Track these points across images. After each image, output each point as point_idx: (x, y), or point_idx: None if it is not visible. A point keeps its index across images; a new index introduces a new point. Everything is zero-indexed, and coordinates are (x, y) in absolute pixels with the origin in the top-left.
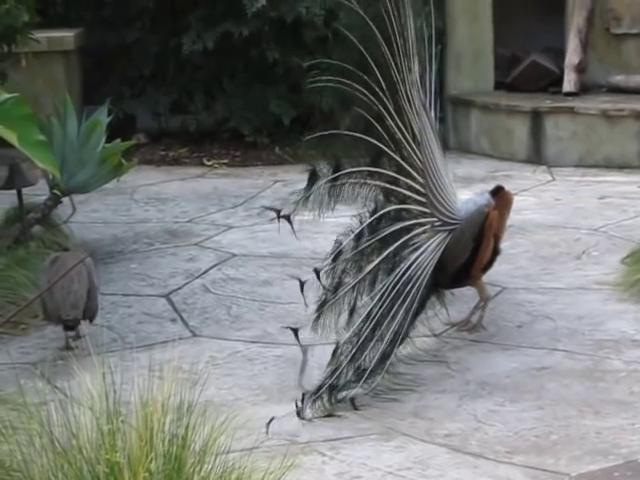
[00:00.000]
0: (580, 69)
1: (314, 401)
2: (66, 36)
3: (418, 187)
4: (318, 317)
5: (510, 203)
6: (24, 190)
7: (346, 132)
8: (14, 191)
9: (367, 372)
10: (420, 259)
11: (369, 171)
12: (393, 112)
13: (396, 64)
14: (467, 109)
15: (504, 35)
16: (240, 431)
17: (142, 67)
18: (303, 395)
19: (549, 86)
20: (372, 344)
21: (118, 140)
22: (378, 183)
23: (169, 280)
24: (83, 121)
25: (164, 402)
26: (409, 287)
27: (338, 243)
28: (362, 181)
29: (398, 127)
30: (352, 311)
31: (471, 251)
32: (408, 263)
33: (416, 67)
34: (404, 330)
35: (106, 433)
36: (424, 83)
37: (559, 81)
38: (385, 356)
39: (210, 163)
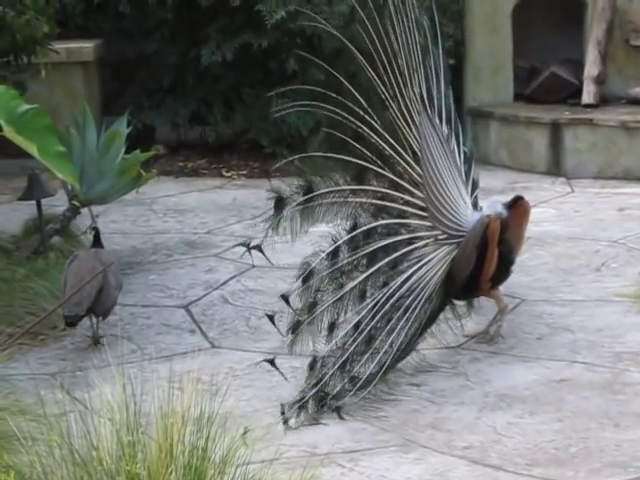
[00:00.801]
0: (599, 81)
1: (299, 410)
2: (85, 47)
3: (417, 201)
4: (294, 339)
5: (527, 213)
6: (43, 201)
7: (317, 153)
8: (33, 202)
9: (361, 381)
10: (421, 272)
11: (351, 189)
12: (380, 129)
13: (383, 82)
14: (486, 121)
15: (523, 47)
16: (259, 443)
17: (161, 78)
18: (283, 406)
19: (568, 98)
20: (367, 356)
21: (137, 151)
22: (364, 200)
23: (188, 291)
24: (102, 132)
25: (184, 413)
26: (410, 300)
27: (306, 265)
28: (342, 200)
29: (388, 143)
30: (332, 326)
31: (476, 262)
32: (405, 276)
33: (417, 82)
34: (407, 341)
35: (126, 444)
36: (431, 97)
37: (578, 93)
38: (385, 367)
39: (229, 174)
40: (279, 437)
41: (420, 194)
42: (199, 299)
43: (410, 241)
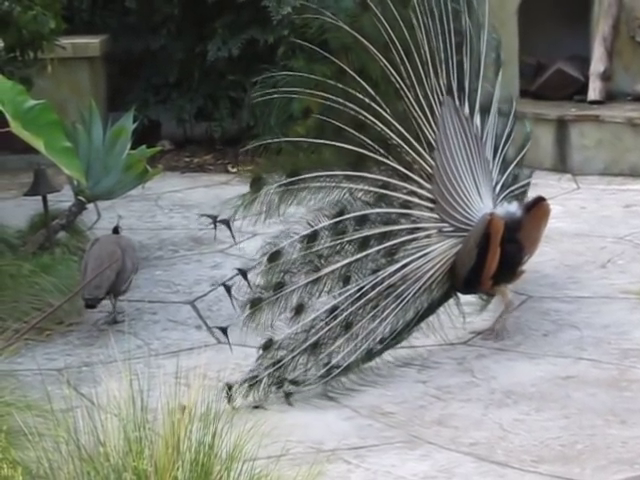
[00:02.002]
0: (605, 77)
1: (249, 389)
2: (91, 43)
3: (425, 193)
4: (252, 314)
5: (546, 215)
6: (49, 196)
7: (302, 139)
8: (39, 197)
9: (340, 369)
10: (419, 262)
11: (345, 175)
12: (390, 118)
13: (399, 71)
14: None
15: (529, 43)
16: (266, 438)
17: (167, 74)
18: (229, 384)
19: (574, 94)
20: (342, 341)
21: (143, 147)
22: (359, 187)
23: (194, 287)
24: (108, 128)
25: (190, 409)
26: (401, 289)
27: (273, 244)
28: (333, 185)
29: (397, 133)
30: (300, 308)
31: (477, 258)
32: (398, 265)
33: (444, 73)
34: (400, 330)
35: (133, 440)
36: (463, 89)
37: (584, 89)
38: (372, 354)
39: (235, 170)
40: (286, 433)
41: (427, 185)
42: (205, 295)
43: (411, 231)
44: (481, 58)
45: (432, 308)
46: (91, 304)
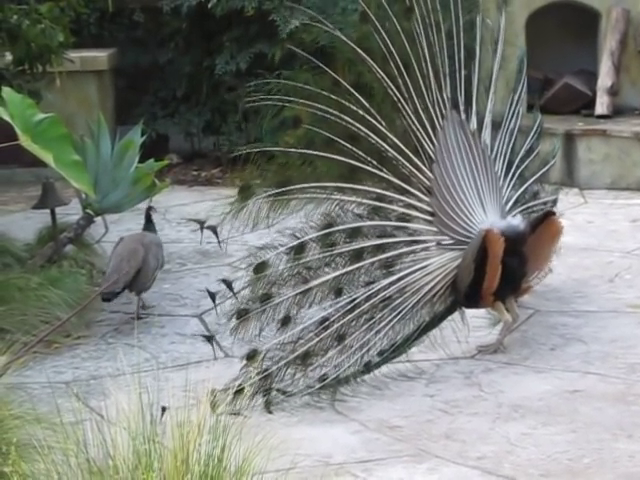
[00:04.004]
0: (613, 92)
1: (234, 396)
2: (99, 56)
3: (423, 205)
4: (239, 325)
5: (556, 233)
6: (57, 210)
7: (296, 150)
8: (47, 210)
9: (334, 379)
10: (416, 275)
11: (337, 187)
12: (386, 130)
13: (396, 84)
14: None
15: (537, 57)
16: (274, 452)
17: (175, 87)
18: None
19: (581, 109)
20: (334, 352)
21: (151, 160)
22: (351, 199)
23: (202, 300)
24: (116, 141)
25: (199, 422)
26: (398, 301)
27: (258, 256)
28: (324, 197)
29: (394, 145)
30: (287, 320)
31: (474, 273)
32: (393, 278)
33: (449, 86)
34: (401, 342)
35: (142, 453)
36: (470, 104)
37: (592, 104)
38: (370, 365)
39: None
40: (294, 447)
41: (426, 198)
42: (212, 308)
43: (408, 244)
44: (493, 73)
45: (435, 321)
46: (106, 298)
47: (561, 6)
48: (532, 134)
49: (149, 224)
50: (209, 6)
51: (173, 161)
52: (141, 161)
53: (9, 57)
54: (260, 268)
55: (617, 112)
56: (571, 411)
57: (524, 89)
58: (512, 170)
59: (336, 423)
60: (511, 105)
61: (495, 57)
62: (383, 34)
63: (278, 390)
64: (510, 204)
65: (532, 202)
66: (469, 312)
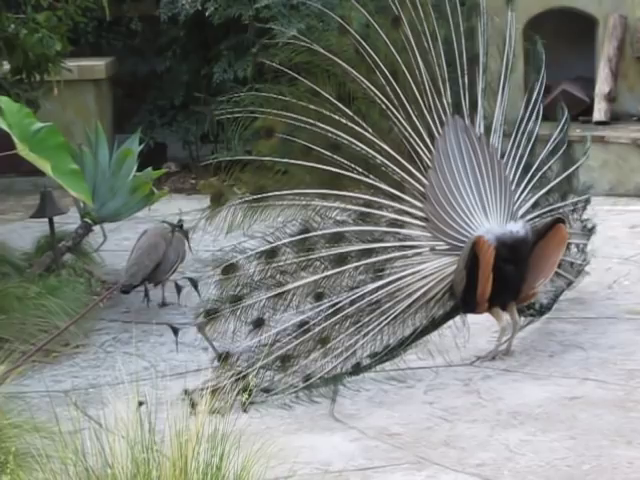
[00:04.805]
0: (610, 98)
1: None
2: (97, 65)
3: (415, 211)
4: (207, 324)
5: (563, 240)
6: (55, 218)
7: (270, 158)
8: (45, 219)
9: (320, 379)
10: (409, 279)
11: (319, 193)
12: (373, 137)
13: (384, 92)
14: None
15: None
16: (273, 460)
17: (173, 96)
18: (187, 391)
19: (579, 115)
20: (317, 355)
21: (149, 169)
22: (335, 205)
23: (200, 309)
24: (114, 150)
25: (198, 431)
26: (388, 305)
27: (226, 258)
28: (304, 203)
29: (382, 152)
30: (260, 322)
31: (466, 279)
32: (381, 282)
33: (449, 92)
34: (392, 345)
35: (140, 462)
36: (475, 109)
37: (589, 110)
38: (360, 367)
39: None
40: (293, 454)
41: (418, 204)
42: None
43: (398, 249)
44: (501, 78)
45: (434, 325)
46: (124, 290)
47: (558, 13)
48: (556, 134)
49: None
50: (207, 14)
51: (171, 170)
52: (139, 170)
53: (6, 66)
54: (229, 269)
55: (615, 118)
56: (570, 418)
57: (542, 89)
58: (531, 172)
59: (335, 431)
60: (527, 106)
61: (503, 60)
62: (364, 44)
63: (263, 390)
64: (526, 207)
65: (560, 203)
66: (469, 318)
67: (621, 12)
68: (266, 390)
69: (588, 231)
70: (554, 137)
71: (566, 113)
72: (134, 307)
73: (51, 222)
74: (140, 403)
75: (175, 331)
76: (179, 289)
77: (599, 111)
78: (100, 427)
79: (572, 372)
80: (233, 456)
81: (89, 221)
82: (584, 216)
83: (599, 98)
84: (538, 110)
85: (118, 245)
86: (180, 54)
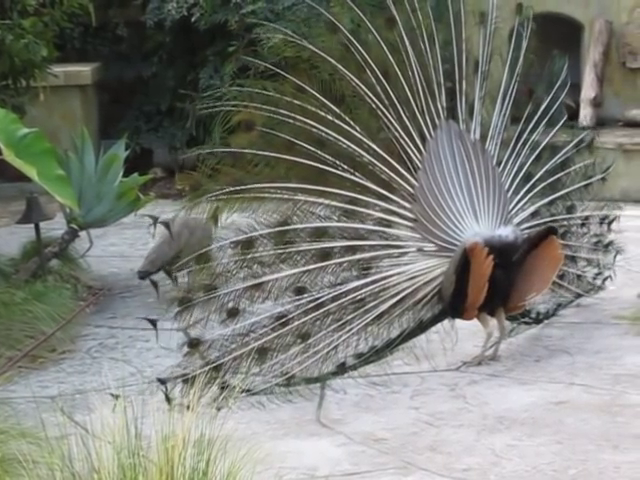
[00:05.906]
0: (596, 103)
1: (183, 385)
2: (83, 70)
3: (403, 212)
4: (180, 312)
5: (556, 258)
6: (42, 224)
7: (250, 150)
8: (32, 225)
9: (296, 377)
10: (394, 280)
11: (302, 188)
12: (361, 136)
13: (375, 92)
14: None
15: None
16: (260, 465)
17: (159, 101)
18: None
19: (565, 120)
20: (297, 350)
21: (135, 174)
22: (318, 200)
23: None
24: (100, 155)
25: (184, 436)
26: (373, 304)
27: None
28: (286, 197)
29: (369, 150)
30: (235, 312)
31: (455, 284)
32: (365, 281)
33: (443, 95)
34: (379, 347)
35: (127, 467)
36: (471, 114)
37: (575, 115)
38: (345, 367)
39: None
40: (279, 459)
41: (406, 204)
42: (198, 322)
43: (384, 247)
44: (502, 85)
45: (422, 328)
46: (141, 276)
47: (544, 18)
48: (568, 148)
49: None
50: (193, 20)
51: (157, 175)
52: (125, 175)
53: None
54: (202, 259)
55: (600, 123)
56: (556, 422)
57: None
58: (531, 182)
59: (321, 436)
60: (531, 118)
61: (505, 67)
62: (356, 43)
63: (243, 390)
64: (524, 215)
65: (564, 215)
66: (456, 323)
67: (607, 17)
68: (246, 390)
69: (604, 247)
70: (563, 153)
71: (583, 135)
72: (120, 313)
73: (37, 228)
74: (113, 396)
75: (153, 323)
76: (155, 285)
77: (585, 116)
78: (86, 433)
79: (558, 377)
80: (219, 461)
81: (75, 227)
82: (601, 231)
83: (585, 103)
84: (543, 121)
85: (104, 251)
86: (166, 60)
